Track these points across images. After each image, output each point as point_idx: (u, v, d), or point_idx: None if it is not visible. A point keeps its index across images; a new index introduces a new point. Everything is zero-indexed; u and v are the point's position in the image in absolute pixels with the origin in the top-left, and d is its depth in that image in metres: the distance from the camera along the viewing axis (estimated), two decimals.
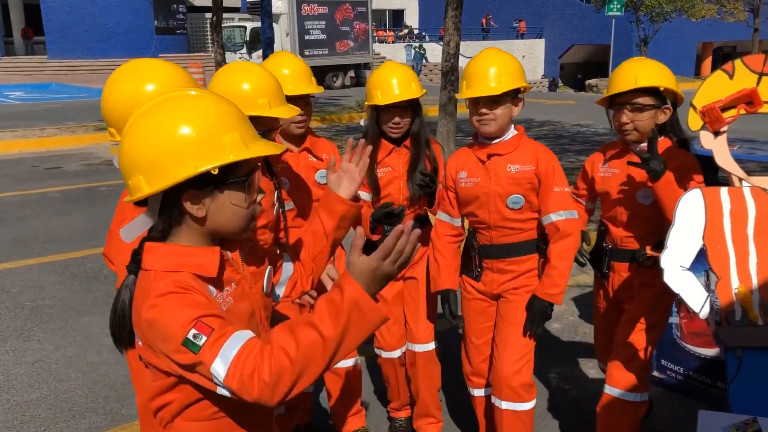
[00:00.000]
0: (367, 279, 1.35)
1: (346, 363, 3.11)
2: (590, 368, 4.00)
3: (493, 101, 2.60)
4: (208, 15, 24.00)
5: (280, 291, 1.82)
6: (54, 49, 29.82)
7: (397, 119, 2.90)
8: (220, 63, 13.61)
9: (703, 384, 3.47)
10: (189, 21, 33.49)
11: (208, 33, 25.35)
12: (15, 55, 30.61)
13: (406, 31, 37.68)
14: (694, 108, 2.45)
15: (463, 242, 2.95)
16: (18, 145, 12.03)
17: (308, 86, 2.81)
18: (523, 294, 2.75)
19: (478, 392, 2.99)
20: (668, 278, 2.30)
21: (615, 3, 23.35)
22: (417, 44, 31.61)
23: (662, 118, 2.65)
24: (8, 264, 5.93)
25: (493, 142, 2.71)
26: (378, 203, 2.97)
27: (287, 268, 1.83)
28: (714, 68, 2.50)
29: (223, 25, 13.85)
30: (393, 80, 2.86)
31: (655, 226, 2.66)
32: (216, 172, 1.36)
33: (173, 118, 1.38)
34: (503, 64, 2.61)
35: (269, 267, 1.67)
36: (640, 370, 2.73)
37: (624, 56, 30.76)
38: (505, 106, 2.62)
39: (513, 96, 2.65)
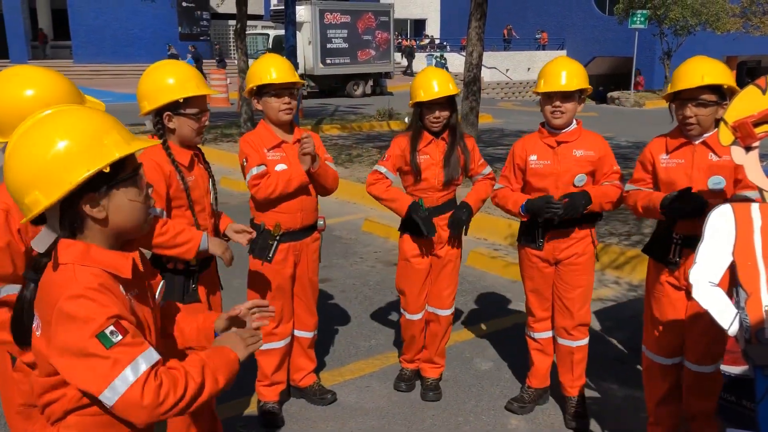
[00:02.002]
0: (233, 343, 1.66)
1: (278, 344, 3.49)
2: (612, 383, 3.96)
3: (566, 97, 3.16)
4: (232, 22, 24.24)
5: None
6: (80, 54, 30.35)
7: (437, 113, 3.44)
8: (243, 70, 13.69)
9: (727, 402, 3.42)
10: (212, 28, 33.82)
11: (232, 40, 25.60)
12: (41, 59, 31.14)
13: (427, 40, 37.79)
14: (726, 123, 2.43)
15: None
16: None
17: (291, 77, 3.24)
18: (581, 262, 3.36)
19: (539, 335, 3.57)
20: (697, 294, 2.27)
21: (638, 16, 23.11)
22: (438, 54, 31.65)
23: (722, 113, 2.71)
24: None
25: (561, 131, 3.27)
26: (419, 185, 3.53)
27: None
28: (739, 82, 2.49)
29: (246, 32, 13.93)
30: (433, 81, 3.40)
31: None
32: (108, 170, 1.45)
33: (54, 132, 1.45)
34: (574, 68, 3.21)
35: (162, 281, 1.77)
36: (722, 347, 3.05)
37: (647, 69, 30.56)
38: (573, 102, 3.20)
39: (579, 96, 3.24)
